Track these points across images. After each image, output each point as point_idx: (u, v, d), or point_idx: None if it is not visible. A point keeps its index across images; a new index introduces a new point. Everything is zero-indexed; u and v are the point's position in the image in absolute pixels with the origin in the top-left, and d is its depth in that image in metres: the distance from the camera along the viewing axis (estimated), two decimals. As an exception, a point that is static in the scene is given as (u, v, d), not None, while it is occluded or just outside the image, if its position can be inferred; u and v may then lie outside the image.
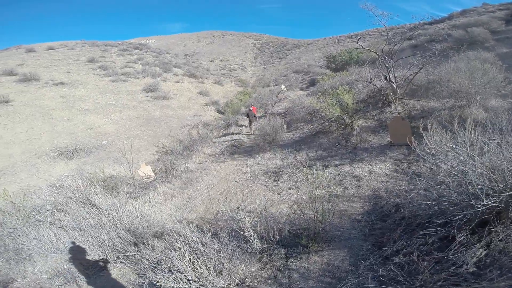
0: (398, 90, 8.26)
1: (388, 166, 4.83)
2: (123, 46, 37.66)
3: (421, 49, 10.68)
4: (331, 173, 5.22)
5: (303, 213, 3.66)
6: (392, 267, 2.42)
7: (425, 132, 5.71)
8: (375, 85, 8.81)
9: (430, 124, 5.93)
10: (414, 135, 5.55)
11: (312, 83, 18.34)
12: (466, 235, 2.33)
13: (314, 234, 3.22)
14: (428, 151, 3.13)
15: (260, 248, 3.21)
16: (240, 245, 3.26)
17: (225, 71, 40.05)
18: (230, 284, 2.81)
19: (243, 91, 25.04)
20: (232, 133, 12.64)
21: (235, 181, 6.77)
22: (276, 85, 22.21)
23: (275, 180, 5.87)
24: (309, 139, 7.93)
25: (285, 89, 18.86)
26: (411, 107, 7.73)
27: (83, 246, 4.35)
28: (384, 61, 7.97)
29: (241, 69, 41.92)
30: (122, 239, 4.27)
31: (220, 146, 11.00)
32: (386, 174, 4.64)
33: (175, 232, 3.19)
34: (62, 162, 12.40)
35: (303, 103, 9.54)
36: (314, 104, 7.52)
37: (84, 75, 24.55)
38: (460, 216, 2.44)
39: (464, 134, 2.81)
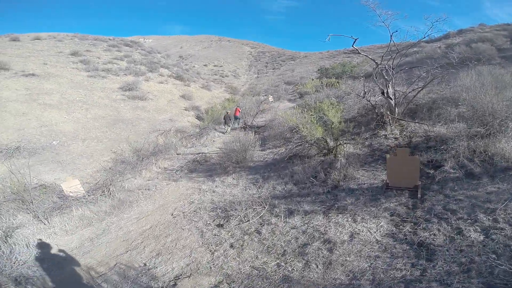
0: (396, 108, 6.66)
1: (381, 226, 3.09)
2: (113, 42, 35.86)
3: (418, 65, 9.20)
4: (294, 228, 3.42)
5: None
6: None
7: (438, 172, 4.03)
8: (369, 101, 7.20)
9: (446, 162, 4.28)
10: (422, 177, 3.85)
11: (302, 95, 16.85)
12: None
13: None
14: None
15: None
16: None
17: (217, 77, 38.60)
18: None
19: (230, 98, 23.43)
20: (203, 145, 10.80)
21: (172, 215, 4.93)
22: (265, 95, 20.68)
23: (219, 225, 4.04)
24: (282, 163, 6.17)
25: (272, 100, 17.28)
26: (411, 131, 6.09)
27: None
28: (384, 72, 6.37)
29: (234, 76, 40.53)
30: None
31: (182, 160, 9.14)
32: (377, 242, 2.89)
33: None
34: (-3, 162, 10.32)
35: (281, 117, 7.86)
36: (290, 119, 5.83)
37: (61, 67, 22.62)
38: None
39: None
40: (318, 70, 21.41)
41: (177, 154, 10.05)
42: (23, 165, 10.32)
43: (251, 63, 46.67)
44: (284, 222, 3.59)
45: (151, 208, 5.66)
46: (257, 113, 12.39)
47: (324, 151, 5.79)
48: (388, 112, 6.71)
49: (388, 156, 3.82)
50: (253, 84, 31.80)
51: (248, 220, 3.86)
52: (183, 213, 4.90)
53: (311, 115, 5.73)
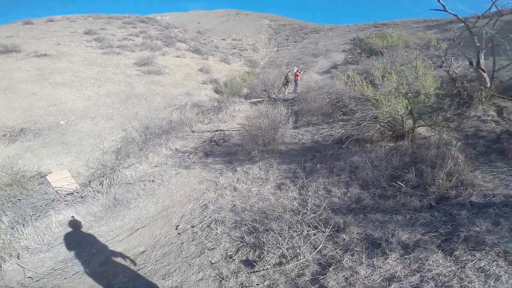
0: (490, 83, 4.63)
1: None
2: (128, 19, 34.22)
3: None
4: (394, 279, 1.69)
5: None
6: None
7: None
8: (448, 72, 5.12)
9: None
10: None
11: (334, 66, 14.45)
12: None
13: None
14: None
15: None
16: None
17: (236, 51, 36.27)
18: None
19: (250, 71, 21.39)
20: (221, 120, 9.20)
21: (176, 229, 3.43)
22: (287, 68, 18.48)
23: (247, 263, 2.45)
24: (331, 150, 4.38)
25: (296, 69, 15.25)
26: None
27: None
28: (484, 33, 4.25)
29: (253, 49, 37.90)
30: None
31: (197, 139, 7.64)
32: None
33: None
34: (0, 146, 9.39)
35: (324, 86, 5.93)
36: (360, 88, 3.88)
37: (75, 46, 21.59)
38: None
39: None
40: (352, 40, 18.37)
41: (192, 132, 8.56)
42: (27, 148, 9.34)
43: (271, 36, 43.27)
44: (368, 266, 1.90)
45: (152, 211, 4.22)
46: (283, 84, 10.39)
47: (396, 134, 3.89)
48: (482, 88, 4.66)
49: None
50: (273, 58, 29.22)
51: (296, 257, 2.21)
52: (193, 227, 3.38)
53: (396, 81, 3.77)
